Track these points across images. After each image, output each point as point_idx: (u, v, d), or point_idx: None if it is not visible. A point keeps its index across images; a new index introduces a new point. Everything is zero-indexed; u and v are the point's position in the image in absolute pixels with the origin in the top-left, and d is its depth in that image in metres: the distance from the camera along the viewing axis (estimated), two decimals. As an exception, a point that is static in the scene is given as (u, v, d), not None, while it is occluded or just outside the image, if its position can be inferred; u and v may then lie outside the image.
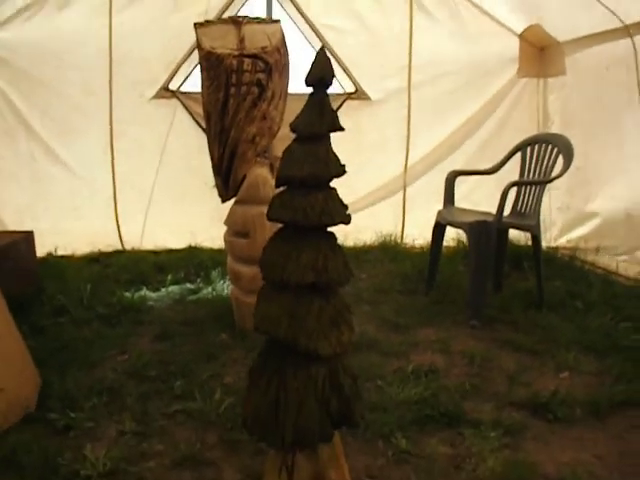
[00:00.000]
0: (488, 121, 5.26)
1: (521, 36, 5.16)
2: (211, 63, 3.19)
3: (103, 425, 2.49)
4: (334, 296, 1.71)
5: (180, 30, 4.79)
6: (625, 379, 2.84)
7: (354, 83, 5.24)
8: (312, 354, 1.66)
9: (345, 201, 1.69)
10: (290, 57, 3.47)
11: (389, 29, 5.17)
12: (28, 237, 4.00)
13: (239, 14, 4.93)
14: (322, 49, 1.61)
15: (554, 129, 4.98)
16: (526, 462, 2.21)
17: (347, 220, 1.65)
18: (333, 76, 1.61)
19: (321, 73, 1.59)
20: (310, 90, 1.64)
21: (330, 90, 1.65)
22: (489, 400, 2.69)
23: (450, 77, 5.19)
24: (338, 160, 1.64)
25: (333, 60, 5.12)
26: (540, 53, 5.23)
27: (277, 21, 3.53)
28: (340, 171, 1.63)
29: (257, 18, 3.49)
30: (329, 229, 1.68)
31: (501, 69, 5.24)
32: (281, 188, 1.67)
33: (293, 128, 1.62)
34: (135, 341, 3.34)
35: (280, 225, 1.74)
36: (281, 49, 3.30)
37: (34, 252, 4.11)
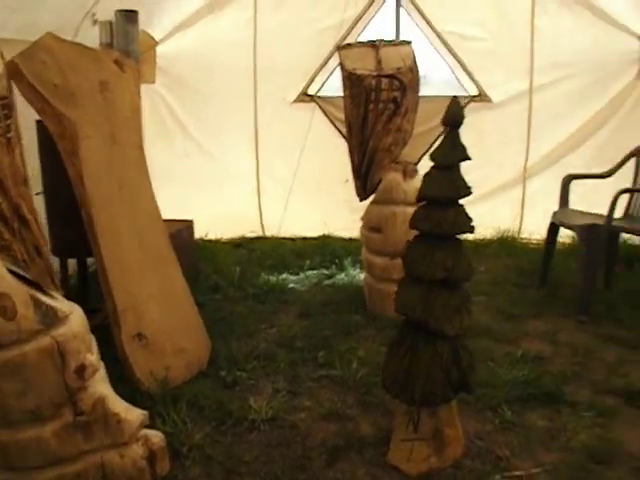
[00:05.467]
0: (607, 124, 5.28)
1: (642, 37, 5.06)
2: (353, 82, 3.69)
3: (261, 383, 3.08)
4: (459, 289, 2.19)
5: (318, 41, 5.32)
6: None
7: (477, 86, 5.46)
8: (439, 334, 2.16)
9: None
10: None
11: (511, 34, 5.29)
12: (189, 226, 4.63)
13: (370, 25, 5.36)
14: (455, 98, 2.07)
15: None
16: (614, 440, 2.52)
17: (472, 230, 2.11)
18: (463, 118, 2.07)
19: (454, 117, 2.06)
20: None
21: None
22: (587, 386, 3.00)
23: (571, 80, 5.24)
24: (466, 183, 2.10)
25: (457, 64, 5.45)
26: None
27: (409, 42, 3.94)
28: (467, 192, 2.09)
29: (391, 41, 3.93)
30: (457, 236, 2.15)
31: (622, 72, 5.17)
32: (421, 203, 2.15)
33: (432, 158, 2.10)
34: (281, 317, 3.92)
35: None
36: (413, 69, 3.74)
37: (193, 238, 4.75)
